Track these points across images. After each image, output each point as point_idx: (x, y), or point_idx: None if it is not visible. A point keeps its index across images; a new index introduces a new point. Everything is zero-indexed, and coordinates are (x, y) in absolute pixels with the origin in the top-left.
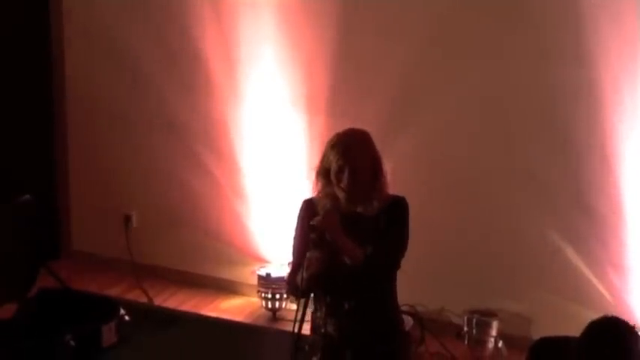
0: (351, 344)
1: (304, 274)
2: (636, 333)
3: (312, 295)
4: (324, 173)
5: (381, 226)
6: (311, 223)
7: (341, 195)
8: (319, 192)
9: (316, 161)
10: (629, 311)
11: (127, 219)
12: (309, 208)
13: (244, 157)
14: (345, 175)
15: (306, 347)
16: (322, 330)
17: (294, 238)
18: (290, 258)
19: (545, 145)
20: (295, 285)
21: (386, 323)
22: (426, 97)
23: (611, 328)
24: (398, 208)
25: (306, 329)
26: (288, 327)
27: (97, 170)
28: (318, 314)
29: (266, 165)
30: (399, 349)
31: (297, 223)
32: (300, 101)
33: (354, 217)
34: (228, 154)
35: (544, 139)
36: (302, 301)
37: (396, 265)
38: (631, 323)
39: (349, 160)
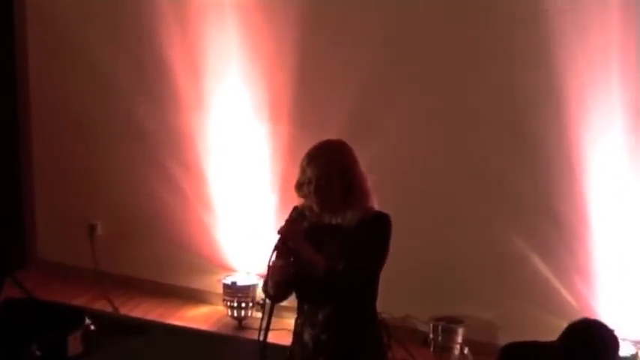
0: (323, 354)
1: (270, 282)
2: (615, 337)
3: (281, 302)
4: (299, 186)
5: (357, 240)
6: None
7: (315, 206)
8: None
9: (280, 169)
10: (593, 316)
11: (92, 228)
12: (297, 214)
13: (210, 167)
14: (313, 185)
15: (288, 353)
16: (300, 338)
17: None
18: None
19: (512, 152)
20: (266, 290)
21: (361, 335)
22: (391, 104)
23: (589, 331)
24: (377, 223)
25: (277, 337)
26: (254, 335)
27: (63, 179)
28: (299, 322)
29: (231, 174)
30: None
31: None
32: (265, 111)
33: (332, 228)
34: (194, 163)
35: (511, 146)
36: (267, 309)
37: (362, 282)
38: (610, 327)
39: (313, 169)
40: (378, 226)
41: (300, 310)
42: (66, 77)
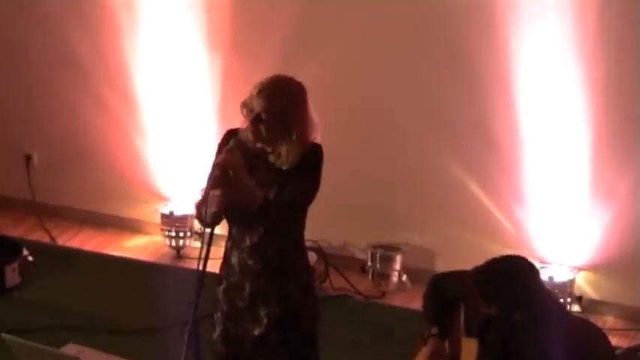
0: (249, 279)
1: (207, 212)
2: (536, 270)
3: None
4: (244, 105)
5: (289, 172)
6: (215, 161)
7: (249, 134)
8: (243, 123)
9: (217, 96)
10: (530, 242)
11: (28, 158)
12: (231, 139)
13: (145, 95)
14: (253, 115)
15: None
16: (229, 260)
17: (212, 166)
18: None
19: (447, 77)
20: (201, 215)
21: (286, 263)
22: (328, 29)
23: (507, 265)
24: (309, 156)
25: (215, 265)
26: (193, 265)
27: None
28: (228, 244)
29: (167, 102)
30: (295, 294)
31: (217, 152)
32: (202, 38)
33: (266, 156)
34: (129, 91)
35: (447, 71)
36: (206, 238)
37: (293, 213)
38: (532, 261)
39: (258, 100)
40: (310, 159)
41: (229, 234)
42: None
